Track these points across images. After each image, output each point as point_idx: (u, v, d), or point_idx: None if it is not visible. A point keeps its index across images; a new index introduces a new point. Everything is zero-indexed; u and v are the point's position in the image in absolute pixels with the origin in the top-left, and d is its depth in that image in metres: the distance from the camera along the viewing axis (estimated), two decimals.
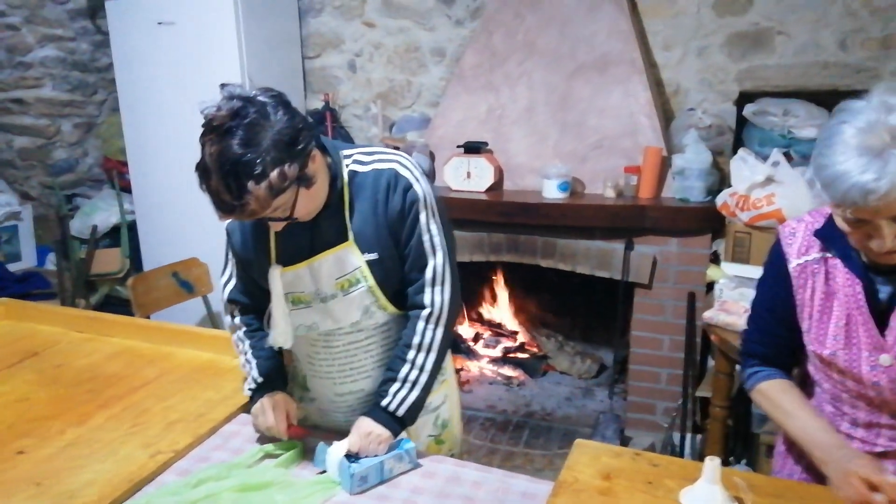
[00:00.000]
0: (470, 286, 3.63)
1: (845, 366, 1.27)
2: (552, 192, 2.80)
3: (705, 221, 2.65)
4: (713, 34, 3.02)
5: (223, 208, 1.18)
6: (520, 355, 3.57)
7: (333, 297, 1.39)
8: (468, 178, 2.93)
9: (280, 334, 1.39)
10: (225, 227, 1.45)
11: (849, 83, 2.87)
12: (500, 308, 3.64)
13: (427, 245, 1.40)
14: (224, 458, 1.47)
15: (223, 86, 1.20)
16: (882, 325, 1.23)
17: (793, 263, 1.32)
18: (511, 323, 3.64)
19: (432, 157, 3.07)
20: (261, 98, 1.18)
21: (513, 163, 3.02)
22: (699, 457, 2.71)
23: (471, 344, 3.59)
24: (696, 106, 3.05)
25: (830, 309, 1.28)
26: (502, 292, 3.60)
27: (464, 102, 3.08)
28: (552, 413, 3.21)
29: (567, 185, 2.80)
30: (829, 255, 1.28)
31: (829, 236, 1.24)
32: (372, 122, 3.50)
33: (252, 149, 1.13)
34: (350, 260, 1.37)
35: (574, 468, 1.42)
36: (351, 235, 1.36)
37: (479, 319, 3.70)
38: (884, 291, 1.24)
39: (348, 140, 3.52)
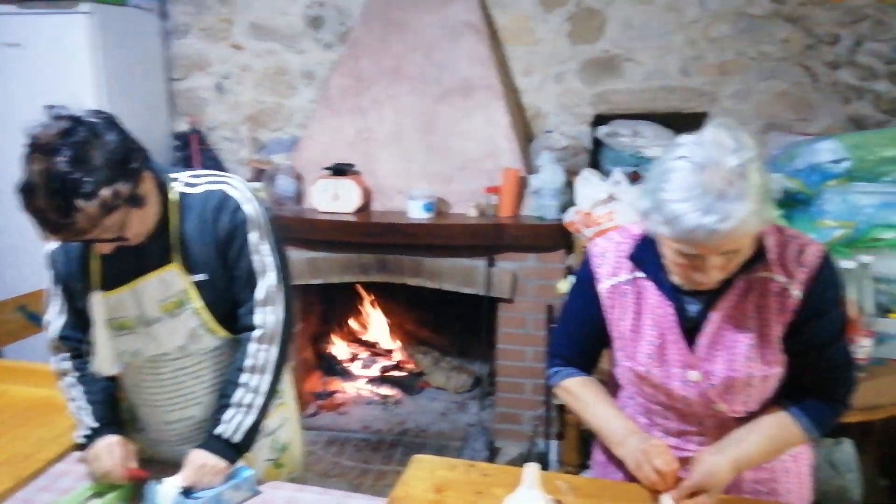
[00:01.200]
0: (344, 306, 3.65)
1: (659, 382, 1.35)
2: (417, 212, 2.86)
3: (559, 238, 2.79)
4: (569, 61, 3.19)
5: (49, 227, 1.14)
6: (396, 373, 3.60)
7: (158, 321, 1.37)
8: (335, 199, 2.96)
9: (102, 361, 1.36)
10: (49, 256, 1.41)
11: (692, 105, 3.11)
12: (377, 327, 3.66)
13: (257, 265, 1.41)
14: (49, 500, 1.41)
15: (49, 107, 1.18)
16: (691, 341, 1.31)
17: (604, 285, 1.38)
18: (387, 342, 3.68)
19: (300, 178, 3.07)
20: (90, 119, 1.16)
21: (381, 184, 3.07)
22: (562, 462, 2.82)
23: (347, 365, 3.59)
24: (555, 128, 3.21)
25: (642, 328, 1.35)
26: (377, 312, 3.63)
27: (331, 125, 3.11)
28: (426, 429, 3.26)
29: (431, 205, 2.88)
30: (639, 275, 1.34)
31: (641, 259, 1.31)
32: (242, 144, 3.46)
33: (82, 167, 1.11)
34: (175, 282, 1.35)
35: (408, 483, 1.46)
36: (175, 257, 1.35)
37: (356, 340, 3.70)
38: (692, 310, 1.31)
39: (217, 162, 3.47)
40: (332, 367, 3.59)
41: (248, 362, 1.41)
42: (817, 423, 1.30)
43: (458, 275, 2.94)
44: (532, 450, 2.93)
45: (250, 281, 1.41)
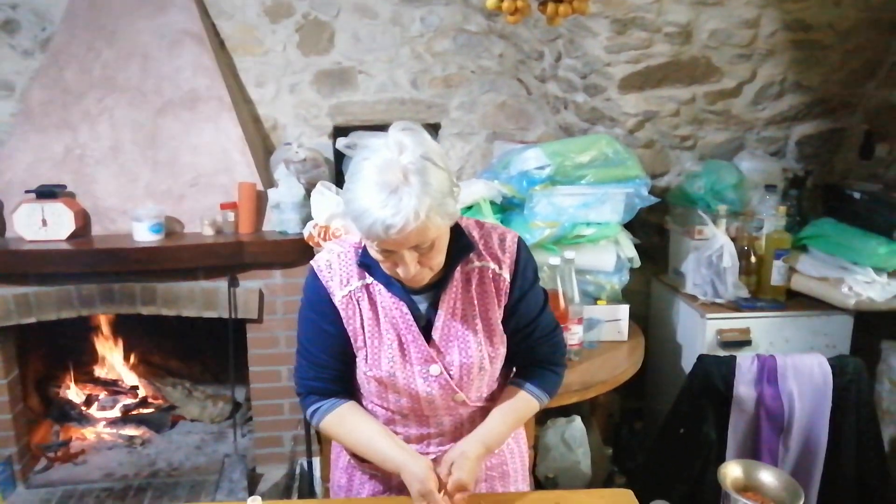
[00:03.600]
0: (74, 344, 3.25)
1: (403, 384, 1.38)
2: (144, 234, 2.64)
3: (304, 252, 2.73)
4: (302, 72, 3.15)
5: None
6: (143, 411, 3.30)
7: None
8: (44, 226, 2.62)
9: None
10: None
11: (424, 117, 3.23)
12: (114, 364, 3.32)
13: None
14: None
15: None
16: (428, 338, 1.36)
17: (338, 296, 1.37)
18: (129, 377, 3.35)
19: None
20: None
21: (101, 206, 2.78)
22: (324, 479, 2.78)
23: (83, 409, 3.21)
24: (294, 140, 3.15)
25: (380, 332, 1.37)
26: (112, 347, 3.29)
27: (35, 142, 2.75)
28: (179, 467, 3.02)
29: (160, 226, 2.67)
30: (369, 281, 1.36)
31: (369, 264, 1.32)
32: None
33: None
34: None
35: None
36: None
37: (92, 380, 3.32)
38: (422, 307, 1.37)
39: None
40: (66, 413, 3.18)
41: None
42: (543, 386, 1.45)
43: (199, 298, 2.76)
44: (292, 470, 2.85)
45: None
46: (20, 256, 2.57)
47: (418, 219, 1.13)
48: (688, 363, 2.62)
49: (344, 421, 1.43)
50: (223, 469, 2.86)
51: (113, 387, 3.33)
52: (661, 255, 3.05)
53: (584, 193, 2.34)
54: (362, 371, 1.41)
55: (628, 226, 2.59)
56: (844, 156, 3.00)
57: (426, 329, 1.37)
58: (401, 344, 1.36)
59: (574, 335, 2.21)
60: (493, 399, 1.47)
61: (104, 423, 3.21)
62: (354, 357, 1.42)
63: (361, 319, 1.37)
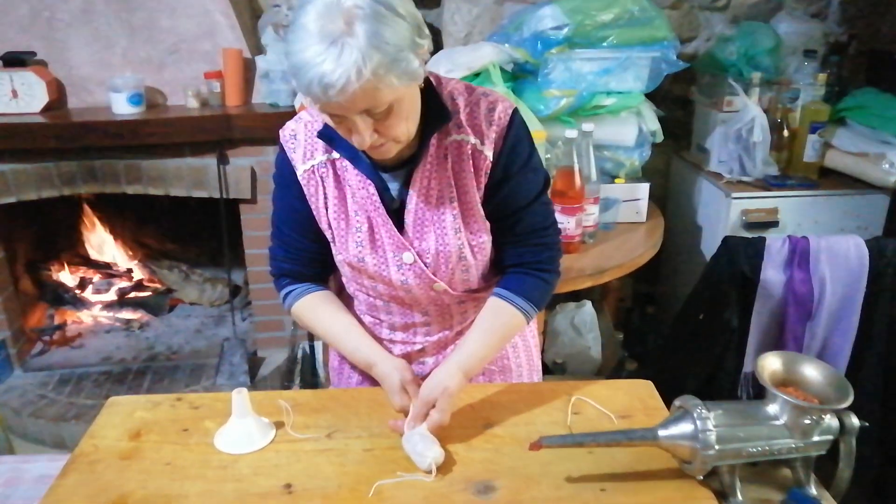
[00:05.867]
0: (64, 226, 3.12)
1: (374, 271, 1.24)
2: (123, 106, 2.43)
3: None
4: None
5: None
6: (140, 294, 3.21)
7: None
8: (15, 97, 2.40)
9: None
10: None
11: None
12: (106, 246, 3.20)
13: None
14: None
15: None
16: (400, 223, 1.20)
17: (300, 170, 1.21)
18: (123, 260, 3.24)
19: None
20: None
21: (75, 76, 2.55)
22: (326, 363, 2.72)
23: (77, 292, 3.12)
24: (284, 1, 2.85)
25: (347, 213, 1.21)
26: (103, 228, 3.15)
27: None
28: (179, 351, 2.96)
29: (140, 97, 2.45)
30: (334, 156, 1.19)
31: (332, 136, 1.13)
32: None
33: None
34: None
35: (97, 434, 1.22)
36: None
37: (85, 262, 3.21)
38: (394, 189, 1.20)
39: None
40: (60, 297, 3.10)
41: None
42: (531, 299, 1.25)
43: (187, 177, 2.58)
44: (293, 353, 2.79)
45: None
46: None
47: (362, 77, 0.92)
48: (708, 246, 2.47)
49: (316, 309, 1.31)
50: (223, 353, 2.80)
51: (107, 270, 3.22)
52: (682, 130, 2.82)
53: (606, 58, 2.09)
54: (335, 254, 1.27)
55: (650, 97, 2.35)
56: (893, 19, 2.70)
57: (399, 212, 1.20)
58: (371, 228, 1.20)
59: (590, 216, 2.04)
60: (490, 287, 1.31)
61: (100, 306, 3.13)
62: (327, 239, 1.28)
63: (325, 199, 1.21)
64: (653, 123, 2.26)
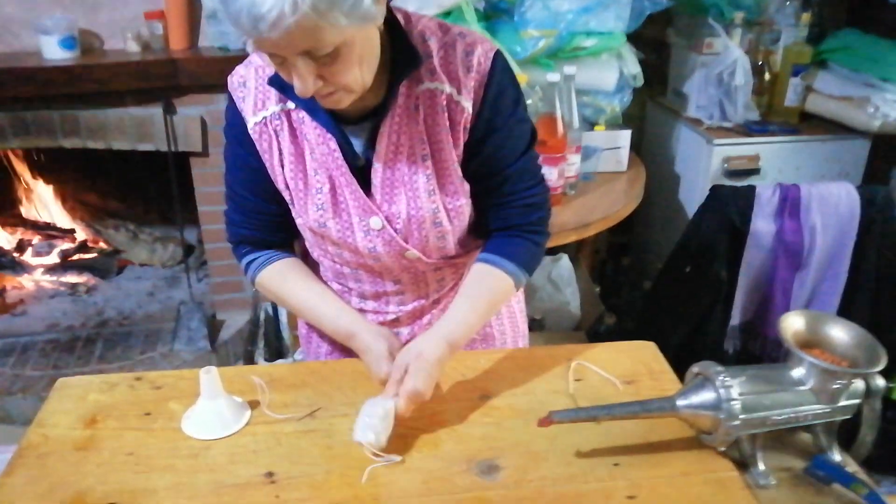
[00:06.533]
0: None
1: (338, 237, 1.10)
2: (54, 51, 2.18)
3: None
4: None
5: None
6: (85, 256, 3.00)
7: None
8: None
9: None
10: None
11: None
12: (45, 205, 2.96)
13: None
14: None
15: None
16: (366, 184, 1.06)
17: (250, 123, 1.05)
18: (63, 220, 3.00)
19: None
20: None
21: None
22: (291, 326, 2.59)
23: (15, 256, 2.89)
24: None
25: (306, 172, 1.06)
26: (41, 186, 2.90)
27: None
28: (130, 315, 2.78)
29: (73, 40, 2.21)
30: (290, 106, 1.03)
31: (285, 84, 0.95)
32: None
33: None
34: None
35: (46, 422, 1.08)
36: None
37: (22, 223, 2.97)
38: (357, 144, 1.05)
39: None
40: None
41: None
42: (521, 264, 1.12)
43: (130, 129, 2.36)
44: (255, 316, 2.64)
45: None
46: None
47: (298, 10, 0.76)
48: (687, 195, 2.40)
49: (285, 279, 1.17)
50: (179, 317, 2.63)
51: (46, 230, 2.99)
52: (657, 75, 2.72)
53: None
54: (294, 217, 1.13)
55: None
56: None
57: (365, 171, 1.05)
58: (333, 189, 1.06)
59: (571, 166, 1.93)
60: (470, 253, 1.20)
61: (41, 270, 2.91)
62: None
63: (280, 155, 1.06)
64: (634, 67, 2.14)
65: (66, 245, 2.97)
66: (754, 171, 2.23)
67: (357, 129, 1.04)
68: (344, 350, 1.30)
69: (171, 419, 1.08)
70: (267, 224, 1.15)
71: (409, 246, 1.10)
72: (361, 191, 1.05)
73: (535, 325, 2.30)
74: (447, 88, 1.00)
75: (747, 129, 2.26)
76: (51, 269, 2.92)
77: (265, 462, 0.99)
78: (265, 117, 1.04)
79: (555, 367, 1.20)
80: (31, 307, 2.81)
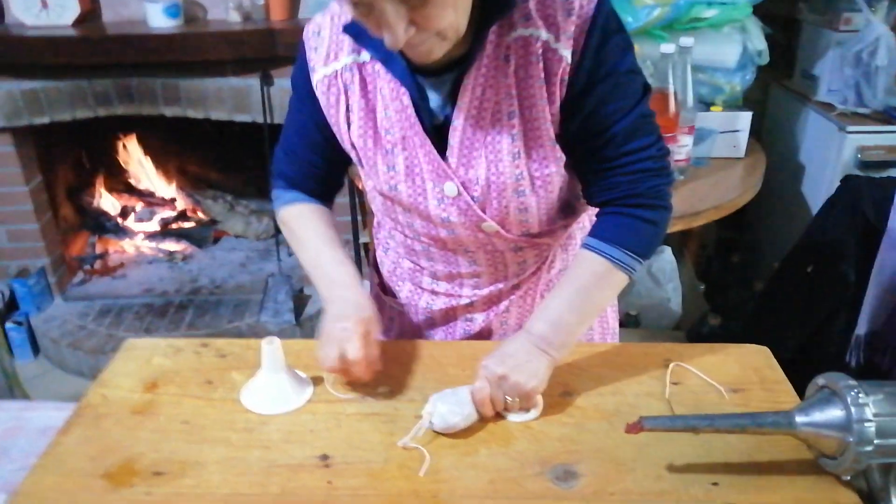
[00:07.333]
0: (105, 149, 2.97)
1: (410, 202, 1.00)
2: (159, 19, 2.21)
3: None
4: None
5: None
6: (184, 225, 3.07)
7: None
8: (45, 8, 2.22)
9: None
10: None
11: None
12: (147, 173, 3.04)
13: None
14: None
15: None
16: (442, 144, 0.95)
17: (318, 75, 0.97)
18: (165, 189, 3.09)
19: None
20: None
21: None
22: None
23: (119, 221, 2.99)
24: None
25: (376, 130, 0.97)
26: (143, 153, 2.99)
27: None
28: (222, 285, 2.83)
29: (177, 8, 2.23)
30: (364, 59, 0.94)
31: (360, 32, 0.87)
32: None
33: None
34: None
35: (108, 383, 1.05)
36: None
37: (127, 189, 3.08)
38: (435, 100, 0.94)
39: None
40: (102, 225, 2.99)
41: None
42: (628, 247, 0.94)
43: (229, 99, 2.37)
44: None
45: None
46: (22, 44, 2.20)
47: None
48: (811, 188, 2.16)
49: (301, 219, 1.10)
50: (267, 289, 2.65)
51: (149, 198, 3.08)
52: (784, 55, 2.46)
53: None
54: (364, 181, 1.07)
55: None
56: None
57: (442, 130, 0.94)
58: (405, 150, 0.96)
59: (682, 148, 1.76)
60: (555, 234, 1.07)
61: (142, 236, 3.01)
62: (344, 157, 1.05)
63: (348, 112, 0.97)
64: (759, 42, 1.93)
65: (167, 213, 3.05)
66: (893, 164, 1.97)
67: (437, 82, 0.93)
68: (415, 332, 1.22)
69: (231, 389, 1.03)
70: (307, 172, 1.09)
71: (487, 217, 0.99)
72: (436, 152, 0.94)
73: (628, 322, 2.14)
74: (543, 35, 0.87)
75: (888, 116, 2.00)
76: (151, 236, 3.01)
77: (322, 444, 0.92)
78: (336, 70, 0.96)
79: (650, 366, 1.06)
80: (130, 271, 2.91)
